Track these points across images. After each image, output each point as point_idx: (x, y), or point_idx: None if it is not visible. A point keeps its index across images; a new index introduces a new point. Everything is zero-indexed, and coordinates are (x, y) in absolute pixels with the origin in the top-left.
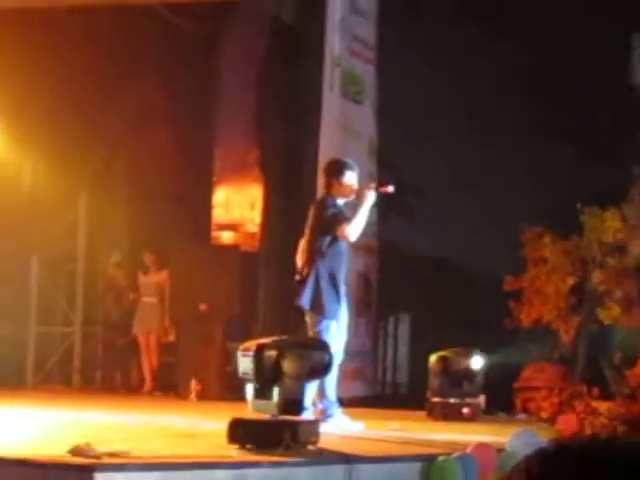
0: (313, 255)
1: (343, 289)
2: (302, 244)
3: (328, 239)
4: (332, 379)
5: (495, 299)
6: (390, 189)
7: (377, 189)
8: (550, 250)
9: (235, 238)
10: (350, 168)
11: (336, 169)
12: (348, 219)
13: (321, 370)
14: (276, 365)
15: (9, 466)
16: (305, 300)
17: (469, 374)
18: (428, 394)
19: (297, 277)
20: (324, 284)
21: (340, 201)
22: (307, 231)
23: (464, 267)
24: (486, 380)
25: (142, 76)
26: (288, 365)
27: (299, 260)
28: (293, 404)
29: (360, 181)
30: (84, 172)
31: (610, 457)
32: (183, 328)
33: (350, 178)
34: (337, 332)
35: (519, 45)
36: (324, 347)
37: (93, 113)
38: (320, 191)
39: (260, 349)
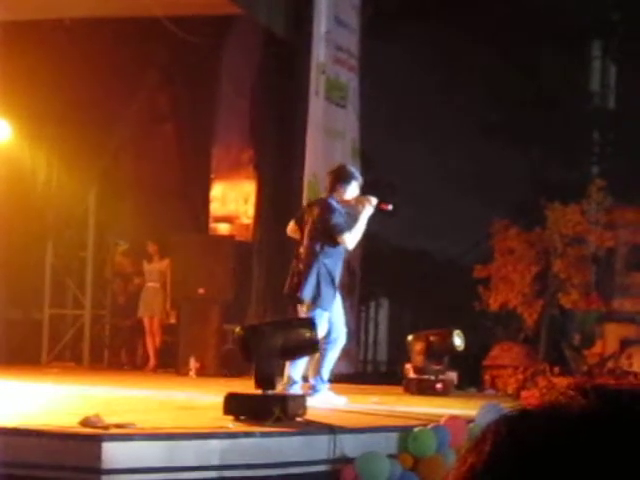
0: (316, 252)
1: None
2: (291, 225)
3: (330, 241)
4: (331, 359)
5: (465, 285)
6: (389, 207)
7: (378, 206)
8: (516, 241)
9: (230, 229)
10: (356, 179)
11: (344, 177)
12: (349, 228)
13: (306, 347)
14: (252, 345)
15: (24, 436)
16: (306, 293)
17: (451, 353)
18: (405, 371)
19: (300, 266)
20: (323, 279)
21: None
22: (310, 227)
23: (438, 256)
24: (458, 358)
25: (147, 82)
26: (263, 344)
27: (289, 230)
28: (265, 380)
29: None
30: (94, 169)
31: (570, 415)
32: (183, 311)
33: (354, 188)
34: (335, 320)
35: (489, 55)
36: (309, 326)
37: (102, 116)
38: (306, 188)
39: (242, 331)
